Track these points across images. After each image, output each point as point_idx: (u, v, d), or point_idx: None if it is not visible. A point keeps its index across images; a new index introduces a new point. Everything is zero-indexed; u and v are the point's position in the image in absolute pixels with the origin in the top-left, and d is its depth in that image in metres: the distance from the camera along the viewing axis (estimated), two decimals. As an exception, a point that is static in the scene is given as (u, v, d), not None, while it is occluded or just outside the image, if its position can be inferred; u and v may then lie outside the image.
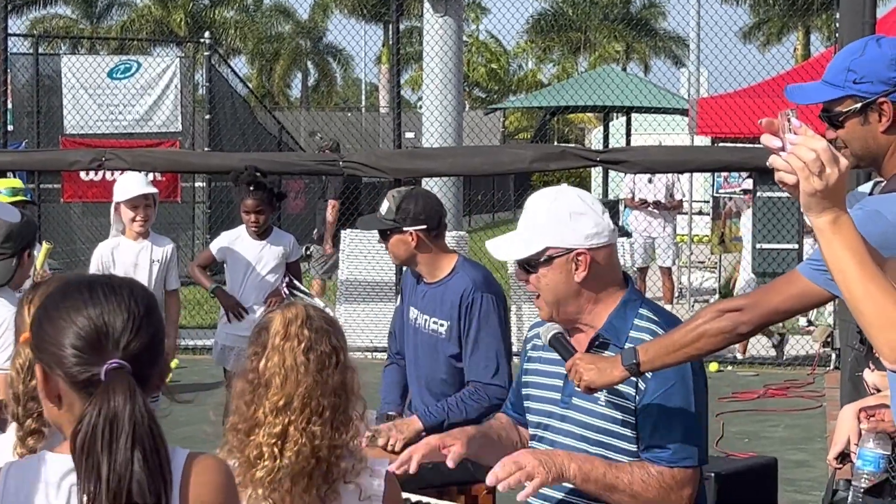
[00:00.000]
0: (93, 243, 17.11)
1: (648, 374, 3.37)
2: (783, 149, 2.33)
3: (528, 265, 3.49)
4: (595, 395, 3.42)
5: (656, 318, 3.47)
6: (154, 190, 7.37)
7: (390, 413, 5.24)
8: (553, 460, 3.32)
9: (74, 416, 2.15)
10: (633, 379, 3.37)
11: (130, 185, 7.28)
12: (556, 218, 3.47)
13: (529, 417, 3.68)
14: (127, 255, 7.26)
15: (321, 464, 2.74)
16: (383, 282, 12.16)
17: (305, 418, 2.74)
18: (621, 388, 3.40)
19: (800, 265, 3.15)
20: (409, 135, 25.48)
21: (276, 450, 2.73)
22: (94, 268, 7.27)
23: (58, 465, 2.20)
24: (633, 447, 3.42)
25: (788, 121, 2.32)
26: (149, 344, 2.20)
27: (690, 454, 3.38)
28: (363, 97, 51.30)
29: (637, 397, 3.39)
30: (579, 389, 3.39)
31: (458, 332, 5.02)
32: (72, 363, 2.15)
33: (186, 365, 11.66)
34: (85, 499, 2.07)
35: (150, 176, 15.11)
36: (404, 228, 5.06)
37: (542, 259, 3.46)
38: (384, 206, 5.13)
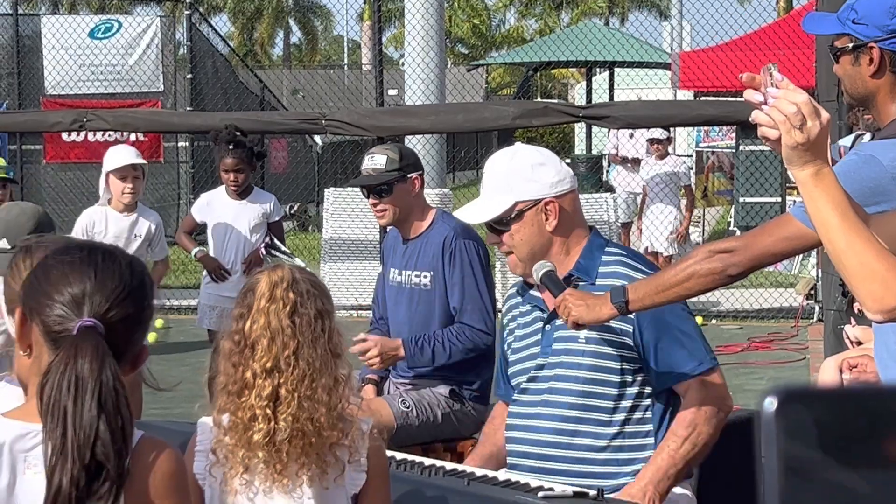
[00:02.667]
0: (75, 205, 17.07)
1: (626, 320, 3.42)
2: (765, 103, 2.33)
3: (499, 224, 3.55)
4: (575, 336, 3.46)
5: (623, 252, 3.59)
6: (142, 161, 7.25)
7: (370, 377, 5.26)
8: None
9: (40, 369, 2.17)
10: (613, 324, 3.44)
11: (120, 155, 7.20)
12: (519, 173, 3.53)
13: (516, 380, 3.69)
14: (112, 225, 7.20)
15: (314, 426, 2.74)
16: (367, 240, 12.16)
17: (295, 381, 2.74)
18: (603, 331, 3.47)
19: (792, 208, 3.17)
20: (392, 92, 25.37)
21: (268, 411, 2.73)
22: (78, 234, 7.22)
23: (9, 429, 2.20)
24: (615, 378, 3.49)
25: (770, 75, 2.33)
26: (131, 317, 2.21)
27: (702, 359, 3.51)
28: (345, 55, 51.07)
29: (630, 335, 3.48)
30: (566, 322, 3.41)
31: (443, 278, 5.05)
32: (51, 313, 2.18)
33: (172, 325, 11.67)
34: (49, 453, 2.08)
35: (133, 136, 15.13)
36: (408, 175, 5.13)
37: (512, 215, 3.52)
38: (381, 160, 5.15)
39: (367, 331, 5.41)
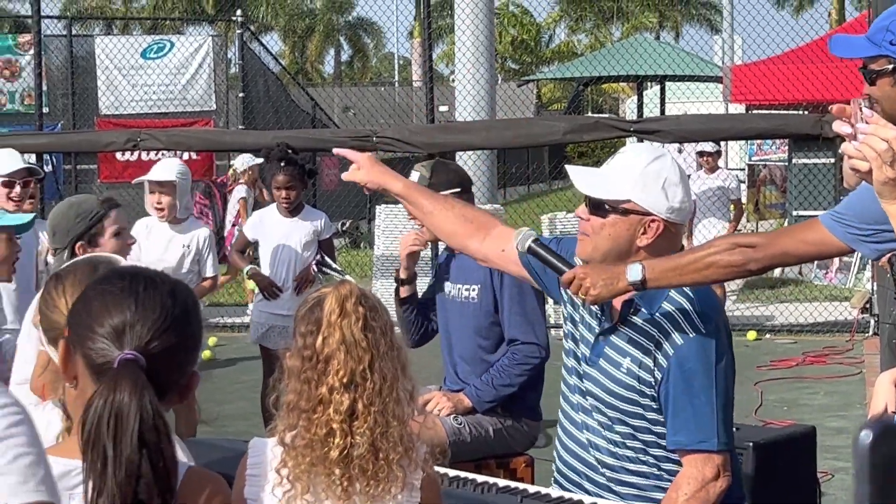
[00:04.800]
0: (129, 224, 17.22)
1: (669, 351, 3.36)
2: (854, 136, 2.36)
3: (600, 206, 3.45)
4: (619, 363, 3.44)
5: (691, 294, 3.44)
6: (173, 178, 7.12)
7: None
8: None
9: (84, 403, 2.12)
10: (650, 363, 3.39)
11: (155, 169, 7.20)
12: (651, 178, 3.42)
13: (564, 360, 3.67)
14: (158, 237, 7.20)
15: (387, 441, 2.73)
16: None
17: (371, 394, 2.73)
18: (641, 370, 3.42)
19: (821, 215, 3.15)
20: (443, 108, 25.46)
21: (345, 426, 2.71)
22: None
23: (52, 467, 2.20)
24: (653, 416, 3.43)
25: (860, 109, 2.35)
26: (174, 347, 2.16)
27: (707, 437, 3.36)
28: (396, 72, 51.23)
29: (656, 386, 3.41)
30: (580, 301, 3.38)
31: (492, 292, 5.06)
32: (93, 346, 2.14)
33: (224, 342, 11.72)
34: (90, 491, 2.01)
35: (186, 155, 15.23)
36: (441, 193, 5.12)
37: (618, 207, 3.42)
38: (415, 176, 5.17)
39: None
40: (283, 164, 7.40)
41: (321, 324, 2.75)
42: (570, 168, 3.53)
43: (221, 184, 14.61)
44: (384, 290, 12.43)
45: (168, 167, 7.22)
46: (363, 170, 3.79)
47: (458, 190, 5.17)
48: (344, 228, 16.43)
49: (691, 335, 3.36)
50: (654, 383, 3.40)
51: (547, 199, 20.25)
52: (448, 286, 5.26)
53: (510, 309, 5.04)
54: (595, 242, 3.45)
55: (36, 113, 13.33)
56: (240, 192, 13.82)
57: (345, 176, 3.81)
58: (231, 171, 14.31)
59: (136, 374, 2.05)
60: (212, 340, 11.50)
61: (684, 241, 13.69)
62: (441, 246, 5.49)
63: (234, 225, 13.71)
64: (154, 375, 2.08)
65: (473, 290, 5.12)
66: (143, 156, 16.14)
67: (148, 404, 2.03)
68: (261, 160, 12.65)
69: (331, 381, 2.72)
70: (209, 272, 7.32)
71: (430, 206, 3.84)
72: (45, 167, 13.23)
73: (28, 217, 5.57)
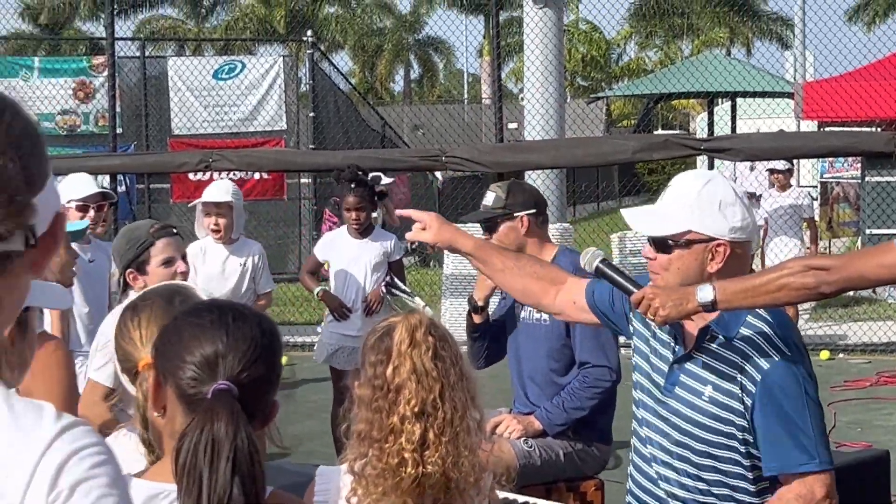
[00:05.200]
0: (180, 251, 17.38)
1: (756, 377, 3.32)
2: None
3: (663, 244, 3.42)
4: (699, 391, 3.41)
5: (769, 318, 3.39)
6: (227, 199, 7.14)
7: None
8: None
9: (174, 430, 2.20)
10: (736, 389, 3.35)
11: (209, 190, 7.24)
12: (706, 203, 3.38)
13: (634, 394, 3.64)
14: (214, 259, 7.25)
15: (458, 470, 2.74)
16: (488, 275, 12.16)
17: (442, 424, 2.74)
18: (726, 396, 3.38)
19: None
20: (512, 126, 25.46)
21: (416, 456, 2.72)
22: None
23: (142, 490, 2.25)
24: (735, 444, 3.38)
25: None
26: (262, 377, 2.23)
27: (811, 458, 3.32)
28: (465, 89, 51.34)
29: (746, 413, 3.35)
30: (653, 322, 3.36)
31: None
32: (186, 377, 2.20)
33: (296, 362, 11.78)
34: None
35: (257, 175, 15.37)
36: (515, 214, 5.14)
37: (680, 241, 3.39)
38: (490, 197, 5.20)
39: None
40: (353, 185, 7.44)
41: (391, 353, 2.76)
42: (625, 212, 3.52)
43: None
44: (453, 310, 12.45)
45: (223, 188, 7.25)
46: (430, 230, 3.78)
47: (534, 211, 5.20)
48: (413, 247, 16.45)
49: (776, 359, 3.32)
50: (742, 410, 3.34)
51: (617, 217, 20.15)
52: (518, 308, 5.26)
53: (582, 331, 5.03)
54: (665, 280, 3.41)
55: (110, 134, 13.52)
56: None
57: (410, 236, 3.81)
58: None
59: (231, 403, 2.13)
60: (283, 360, 11.54)
61: (755, 258, 13.65)
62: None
63: None
64: (243, 404, 2.15)
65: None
66: (216, 176, 16.29)
67: (243, 433, 2.10)
68: (390, 180, 12.71)
69: (402, 411, 2.73)
70: (265, 288, 7.40)
71: (501, 264, 3.85)
72: (118, 187, 13.42)
73: (82, 224, 5.65)
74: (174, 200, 18.06)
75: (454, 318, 12.42)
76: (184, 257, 4.80)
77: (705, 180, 3.44)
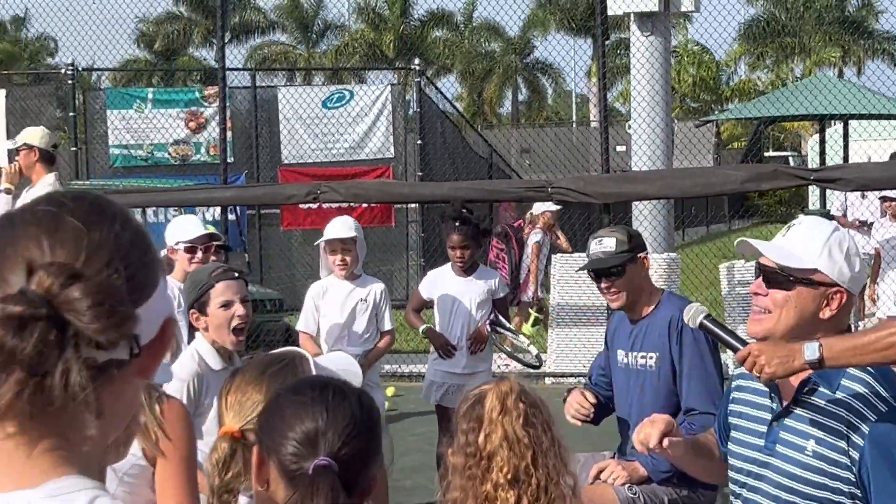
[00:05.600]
0: (310, 272, 17.51)
1: (864, 431, 3.26)
2: None
3: (781, 280, 3.37)
4: (802, 446, 3.36)
5: (872, 370, 3.34)
6: (353, 234, 7.22)
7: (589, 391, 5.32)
8: None
9: (276, 503, 2.26)
10: (843, 444, 3.30)
11: (333, 227, 7.31)
12: (835, 247, 3.36)
13: (732, 461, 3.61)
14: (336, 295, 7.32)
15: None
16: (595, 306, 12.12)
17: (535, 490, 2.75)
18: (831, 450, 3.32)
19: None
20: (620, 148, 25.33)
21: None
22: (307, 307, 7.38)
23: None
24: (840, 498, 3.31)
25: None
26: (362, 452, 2.27)
27: None
28: (574, 111, 51.24)
29: (854, 467, 3.29)
30: (759, 378, 3.31)
31: (670, 360, 5.03)
32: (287, 453, 2.25)
33: (402, 392, 11.80)
34: None
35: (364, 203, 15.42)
36: (638, 255, 5.16)
37: (803, 278, 3.34)
38: (610, 242, 5.18)
39: (583, 385, 5.48)
40: (457, 223, 7.46)
41: (482, 421, 2.78)
42: (749, 240, 3.46)
43: (517, 228, 14.77)
44: (559, 340, 12.41)
45: (347, 224, 7.31)
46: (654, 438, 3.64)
47: (645, 251, 5.27)
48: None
49: (884, 411, 3.27)
50: (849, 464, 3.28)
51: (726, 241, 19.94)
52: (622, 354, 5.24)
53: (689, 378, 5.00)
54: (779, 317, 3.35)
55: (221, 163, 13.69)
56: (535, 236, 13.98)
57: (639, 448, 3.67)
58: (528, 216, 14.49)
59: (332, 479, 2.17)
60: (390, 391, 11.60)
61: (867, 289, 13.35)
62: (617, 316, 5.46)
63: (528, 271, 13.92)
64: (343, 479, 2.20)
65: (651, 357, 5.10)
66: (325, 204, 16.45)
67: None
68: (558, 207, 12.74)
69: (495, 478, 2.74)
70: (387, 326, 7.41)
71: (701, 458, 3.79)
72: (229, 215, 13.60)
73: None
74: (284, 228, 18.27)
75: (560, 349, 12.40)
76: (244, 301, 4.84)
77: (834, 226, 3.44)
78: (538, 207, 13.90)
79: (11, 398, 1.40)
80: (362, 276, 7.45)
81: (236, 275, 4.92)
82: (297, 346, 13.62)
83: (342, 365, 2.69)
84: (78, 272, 1.43)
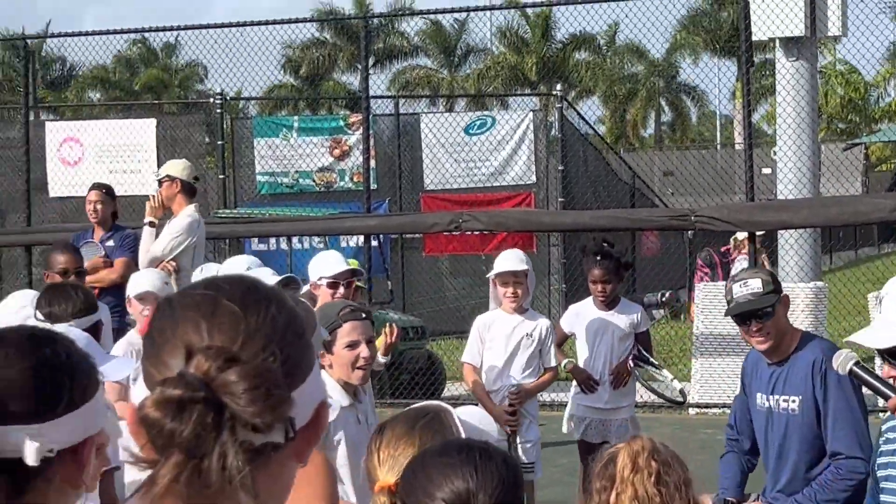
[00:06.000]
0: (454, 298, 17.58)
1: None
2: None
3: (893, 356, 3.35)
4: None
5: None
6: (524, 267, 7.16)
7: (729, 499, 5.22)
8: None
9: None
10: None
11: (505, 259, 7.22)
12: None
13: (883, 497, 3.57)
14: (502, 328, 7.27)
15: None
16: (738, 336, 11.96)
17: None
18: None
19: None
20: (766, 171, 25.00)
21: None
22: (473, 338, 7.35)
23: None
24: None
25: None
26: None
27: None
28: (717, 134, 50.68)
29: None
30: None
31: (814, 404, 4.95)
32: None
33: (544, 422, 11.75)
34: None
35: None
36: (780, 294, 5.11)
37: None
38: (757, 283, 5.10)
39: (722, 455, 5.42)
40: (598, 257, 7.44)
41: (614, 480, 2.78)
42: (857, 340, 3.45)
43: (724, 252, 14.75)
44: (703, 370, 12.27)
45: (517, 257, 7.24)
46: None
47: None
48: (664, 299, 16.37)
49: None
50: None
51: (874, 267, 19.51)
52: (762, 397, 5.18)
53: (834, 422, 4.92)
54: None
55: (364, 190, 13.84)
56: (741, 262, 13.93)
57: None
58: (732, 240, 14.46)
59: None
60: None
61: None
62: (751, 359, 5.41)
63: None
64: None
65: (794, 401, 5.03)
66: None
67: None
68: (761, 232, 12.65)
69: None
70: (551, 363, 7.35)
71: None
72: (372, 241, 13.76)
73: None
74: (426, 254, 18.41)
75: (704, 378, 12.26)
76: (369, 342, 4.85)
77: None
78: (743, 233, 13.77)
79: (170, 481, 1.44)
80: (529, 310, 7.40)
81: (363, 315, 4.93)
82: (437, 370, 13.39)
83: (480, 420, 2.72)
84: (235, 356, 1.47)
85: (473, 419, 2.73)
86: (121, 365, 3.21)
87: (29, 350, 1.82)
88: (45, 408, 1.75)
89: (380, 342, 6.22)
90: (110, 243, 9.40)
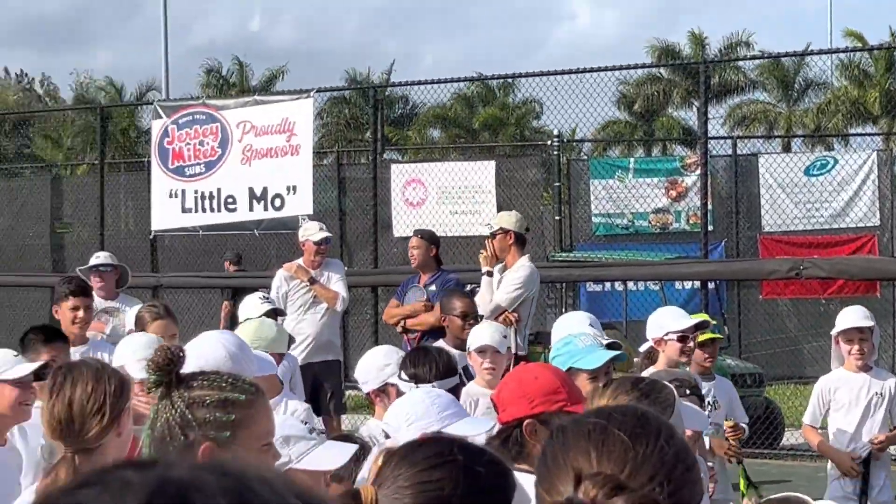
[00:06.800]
0: (794, 340, 17.18)
1: None
2: None
3: None
4: None
5: None
6: (871, 323, 6.89)
7: None
8: None
9: None
10: None
11: (849, 315, 6.96)
12: None
13: None
14: (850, 388, 7.05)
15: None
16: None
17: None
18: None
19: None
20: None
21: None
22: (815, 400, 7.17)
23: None
24: None
25: None
26: None
27: None
28: None
29: None
30: None
31: None
32: None
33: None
34: None
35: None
36: None
37: None
38: None
39: None
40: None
41: None
42: None
43: None
44: None
45: (862, 312, 6.99)
46: None
47: None
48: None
49: None
50: None
51: None
52: None
53: None
54: None
55: (701, 232, 13.73)
56: None
57: None
58: None
59: None
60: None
61: None
62: None
63: None
64: None
65: None
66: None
67: None
68: None
69: None
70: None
71: None
72: (709, 284, 13.61)
73: None
74: (763, 297, 18.09)
75: None
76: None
77: None
78: None
79: None
80: (874, 368, 7.19)
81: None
82: (780, 421, 13.08)
83: None
84: (623, 484, 1.54)
85: None
86: None
87: None
88: None
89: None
90: (432, 287, 9.73)
